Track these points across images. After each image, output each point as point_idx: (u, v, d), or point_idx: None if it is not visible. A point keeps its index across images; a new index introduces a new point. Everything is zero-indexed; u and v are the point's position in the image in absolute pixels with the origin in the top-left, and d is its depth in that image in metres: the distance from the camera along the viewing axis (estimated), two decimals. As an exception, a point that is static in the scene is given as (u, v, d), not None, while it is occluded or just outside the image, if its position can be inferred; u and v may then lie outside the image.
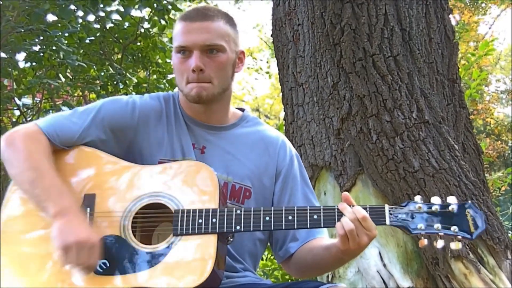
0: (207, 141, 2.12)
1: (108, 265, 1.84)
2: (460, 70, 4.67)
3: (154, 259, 1.82)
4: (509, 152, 17.61)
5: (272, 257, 5.52)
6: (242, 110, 2.27)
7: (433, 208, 1.83)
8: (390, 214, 1.84)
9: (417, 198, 1.87)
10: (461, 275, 3.24)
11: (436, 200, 1.86)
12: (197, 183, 1.92)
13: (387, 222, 1.83)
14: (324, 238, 2.10)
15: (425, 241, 1.82)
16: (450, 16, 4.24)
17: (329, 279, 3.58)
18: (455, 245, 1.80)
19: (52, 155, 1.98)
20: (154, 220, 1.93)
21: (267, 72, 16.71)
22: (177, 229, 1.85)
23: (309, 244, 2.09)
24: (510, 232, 6.18)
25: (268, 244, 2.23)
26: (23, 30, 5.02)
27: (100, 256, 1.82)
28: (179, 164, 1.98)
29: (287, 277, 5.22)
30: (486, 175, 4.62)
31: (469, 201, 1.87)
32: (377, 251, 3.48)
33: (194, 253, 1.82)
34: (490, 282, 3.21)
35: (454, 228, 1.79)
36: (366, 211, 1.83)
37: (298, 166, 2.23)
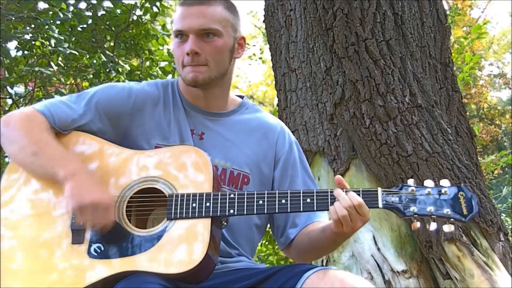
0: (206, 127, 2.13)
1: (102, 249, 1.85)
2: (452, 54, 4.67)
3: (148, 243, 1.83)
4: (502, 136, 17.69)
5: (267, 243, 5.55)
6: (242, 97, 2.28)
7: (426, 191, 1.84)
8: (383, 197, 1.84)
9: (410, 181, 1.88)
10: (454, 257, 3.27)
11: (429, 183, 1.87)
12: (191, 168, 1.93)
13: (380, 205, 1.84)
14: (321, 222, 2.11)
15: (417, 224, 1.83)
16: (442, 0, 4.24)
17: (324, 264, 3.60)
18: (448, 228, 1.81)
19: (52, 130, 1.99)
20: (149, 205, 1.93)
21: (260, 58, 16.64)
22: (171, 213, 1.86)
23: (307, 228, 2.11)
24: (503, 214, 6.23)
25: (271, 232, 2.24)
26: (13, 18, 4.98)
27: (114, 217, 1.85)
28: (173, 149, 1.99)
29: (282, 262, 5.25)
30: (479, 158, 4.64)
31: (462, 184, 1.89)
32: (371, 235, 3.50)
33: (188, 237, 1.82)
34: (483, 264, 3.23)
35: (446, 211, 1.80)
36: (359, 194, 1.84)
37: (298, 152, 2.24)
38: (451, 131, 3.66)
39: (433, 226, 1.81)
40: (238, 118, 2.19)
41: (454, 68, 4.32)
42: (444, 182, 1.86)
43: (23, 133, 1.95)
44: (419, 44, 3.86)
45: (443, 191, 1.83)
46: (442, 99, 3.87)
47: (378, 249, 3.45)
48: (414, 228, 1.83)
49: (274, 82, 4.36)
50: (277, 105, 4.27)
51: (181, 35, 2.05)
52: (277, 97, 4.25)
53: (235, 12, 2.13)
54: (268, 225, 2.24)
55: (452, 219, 1.81)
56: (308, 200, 1.87)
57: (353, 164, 3.68)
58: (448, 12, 6.43)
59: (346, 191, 1.85)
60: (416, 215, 1.82)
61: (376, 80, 3.57)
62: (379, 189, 1.86)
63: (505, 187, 6.82)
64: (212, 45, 2.04)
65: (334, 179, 1.90)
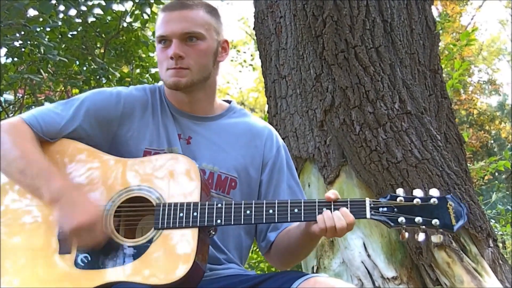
0: (193, 131, 2.12)
1: (89, 258, 1.84)
2: (442, 60, 4.70)
3: (135, 253, 1.81)
4: (492, 141, 17.80)
5: (257, 250, 5.54)
6: (229, 102, 2.27)
7: (414, 201, 1.81)
8: (371, 207, 1.83)
9: (399, 191, 1.86)
10: (444, 264, 3.28)
11: (417, 192, 1.84)
12: (179, 176, 1.92)
13: (368, 215, 1.82)
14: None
15: (406, 234, 1.80)
16: (432, 6, 4.27)
17: (314, 271, 3.60)
18: (436, 238, 1.79)
19: (36, 140, 1.97)
20: (137, 214, 1.92)
21: (251, 65, 16.69)
22: (158, 223, 1.85)
23: (286, 229, 2.10)
24: (492, 220, 6.25)
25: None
26: (2, 25, 4.96)
27: (105, 231, 1.84)
28: (162, 157, 1.98)
29: (273, 269, 5.24)
30: (469, 164, 4.67)
31: (451, 194, 1.87)
32: (361, 241, 3.50)
33: (175, 247, 1.81)
34: (472, 270, 3.24)
35: (435, 221, 1.78)
36: (347, 204, 1.83)
37: (285, 156, 2.23)
38: (441, 138, 3.67)
39: (421, 236, 1.79)
40: (226, 122, 2.18)
41: (444, 75, 4.35)
42: (433, 192, 1.83)
43: (9, 148, 1.94)
44: (408, 51, 3.88)
45: (431, 201, 1.81)
46: (431, 106, 3.89)
47: (368, 255, 3.46)
48: (402, 239, 1.82)
49: (264, 89, 4.37)
50: (267, 111, 4.28)
51: (164, 40, 2.05)
52: (267, 103, 4.26)
53: (217, 16, 2.13)
54: None
55: (440, 230, 1.79)
56: (296, 210, 1.85)
57: (343, 170, 3.68)
58: (437, 19, 6.46)
59: (337, 204, 1.84)
60: (404, 226, 1.80)
61: (365, 87, 3.58)
62: (367, 200, 1.84)
63: (495, 193, 6.86)
64: (196, 48, 2.03)
65: (328, 193, 1.88)
